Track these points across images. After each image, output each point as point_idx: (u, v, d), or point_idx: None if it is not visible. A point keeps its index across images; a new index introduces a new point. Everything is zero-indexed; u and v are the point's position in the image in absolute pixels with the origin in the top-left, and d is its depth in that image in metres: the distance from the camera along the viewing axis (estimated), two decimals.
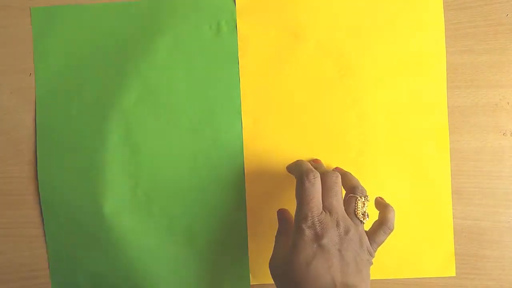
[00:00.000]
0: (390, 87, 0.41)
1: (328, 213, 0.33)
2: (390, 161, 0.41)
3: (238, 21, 0.41)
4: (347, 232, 0.33)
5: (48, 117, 0.42)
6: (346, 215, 0.34)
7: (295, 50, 0.41)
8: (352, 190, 0.35)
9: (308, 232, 0.32)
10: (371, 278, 0.41)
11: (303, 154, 0.41)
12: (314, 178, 0.34)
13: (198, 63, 0.41)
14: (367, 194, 0.35)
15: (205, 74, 0.41)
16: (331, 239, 0.32)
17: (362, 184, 0.36)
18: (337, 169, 0.39)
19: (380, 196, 0.38)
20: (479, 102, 0.41)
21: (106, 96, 0.41)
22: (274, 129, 0.41)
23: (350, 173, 0.37)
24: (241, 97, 0.41)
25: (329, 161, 0.41)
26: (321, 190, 0.34)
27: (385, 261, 0.41)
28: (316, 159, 0.40)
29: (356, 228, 0.33)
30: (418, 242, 0.41)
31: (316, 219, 0.33)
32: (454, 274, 0.41)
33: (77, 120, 0.41)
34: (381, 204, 0.37)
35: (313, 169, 0.35)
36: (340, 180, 0.35)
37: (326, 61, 0.41)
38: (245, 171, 0.41)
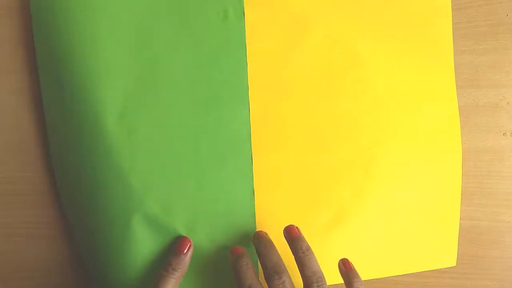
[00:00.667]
0: (399, 80, 0.41)
1: None
2: (400, 153, 0.41)
3: (245, 8, 0.40)
4: None
5: (50, 98, 0.41)
6: None
7: (304, 39, 0.41)
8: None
9: None
10: (375, 277, 0.41)
11: (311, 143, 0.40)
12: None
13: (205, 48, 0.40)
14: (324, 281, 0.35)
15: (211, 60, 0.40)
16: None
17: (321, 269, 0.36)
18: (293, 233, 0.38)
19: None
20: (479, 102, 0.41)
21: (105, 75, 0.39)
22: (282, 118, 0.40)
23: (310, 255, 0.36)
24: (249, 85, 0.40)
25: (340, 153, 0.40)
26: None
27: (390, 257, 0.41)
28: (261, 232, 0.40)
29: None
30: (423, 235, 0.41)
31: None
32: (454, 264, 0.41)
33: (73, 100, 0.40)
34: (346, 275, 0.37)
35: (254, 284, 0.35)
36: None
37: (334, 51, 0.40)
38: (252, 161, 0.40)
